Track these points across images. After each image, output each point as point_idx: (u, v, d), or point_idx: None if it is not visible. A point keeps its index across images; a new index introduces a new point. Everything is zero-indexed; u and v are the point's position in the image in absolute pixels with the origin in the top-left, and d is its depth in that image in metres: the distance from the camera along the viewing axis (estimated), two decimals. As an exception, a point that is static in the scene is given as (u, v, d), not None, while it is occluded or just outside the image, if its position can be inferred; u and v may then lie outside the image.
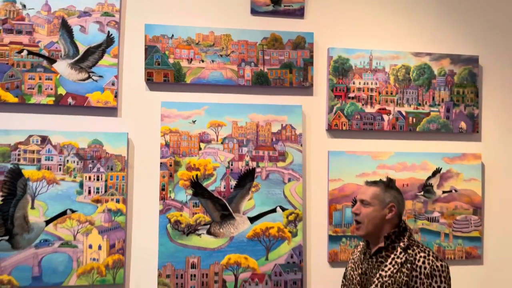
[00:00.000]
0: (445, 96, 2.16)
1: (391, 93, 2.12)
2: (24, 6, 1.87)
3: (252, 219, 1.97)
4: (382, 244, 1.54)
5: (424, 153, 2.13)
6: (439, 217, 2.13)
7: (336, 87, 2.07)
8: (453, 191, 2.14)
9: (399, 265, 1.49)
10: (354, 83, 2.09)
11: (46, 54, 1.87)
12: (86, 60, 1.90)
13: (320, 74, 2.08)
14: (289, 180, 2.01)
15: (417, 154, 2.12)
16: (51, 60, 1.87)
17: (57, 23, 1.88)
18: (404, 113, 2.12)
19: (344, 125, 2.07)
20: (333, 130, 2.07)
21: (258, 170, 2.00)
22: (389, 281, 1.48)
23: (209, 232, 1.95)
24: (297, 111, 2.03)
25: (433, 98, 2.15)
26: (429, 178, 2.13)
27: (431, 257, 1.48)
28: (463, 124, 2.17)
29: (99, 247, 1.86)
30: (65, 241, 1.83)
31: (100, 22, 1.91)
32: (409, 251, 1.51)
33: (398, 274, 1.48)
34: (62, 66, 1.88)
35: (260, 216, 1.98)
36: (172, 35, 1.96)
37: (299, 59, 2.04)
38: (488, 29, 2.23)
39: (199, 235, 1.94)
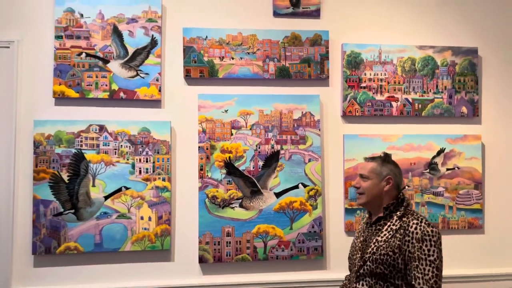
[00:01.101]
0: (448, 84, 2.44)
1: (399, 83, 2.41)
2: (81, 15, 2.22)
3: (278, 194, 2.30)
4: (381, 214, 1.70)
5: (429, 135, 2.41)
6: (443, 192, 2.41)
7: (350, 78, 2.37)
8: (456, 168, 2.42)
9: (394, 231, 1.63)
10: (365, 74, 2.39)
11: (101, 55, 2.22)
12: (134, 60, 2.24)
13: (335, 67, 2.38)
14: (309, 160, 2.33)
15: (423, 136, 2.41)
16: (105, 61, 2.22)
17: (109, 29, 2.23)
18: (410, 100, 2.41)
19: (357, 112, 2.38)
20: (347, 116, 2.38)
21: (282, 152, 2.32)
22: (384, 245, 1.62)
23: (241, 206, 2.28)
24: (315, 100, 2.34)
25: (437, 86, 2.43)
26: (434, 157, 2.41)
27: (423, 224, 1.60)
28: (464, 109, 2.45)
29: (149, 219, 2.21)
30: (121, 214, 2.19)
31: (145, 27, 2.26)
32: (404, 219, 1.64)
33: (392, 239, 1.62)
34: (114, 66, 2.23)
35: (285, 192, 2.30)
36: (206, 37, 2.29)
37: (316, 54, 2.35)
38: (486, 23, 2.50)
39: (232, 208, 2.27)
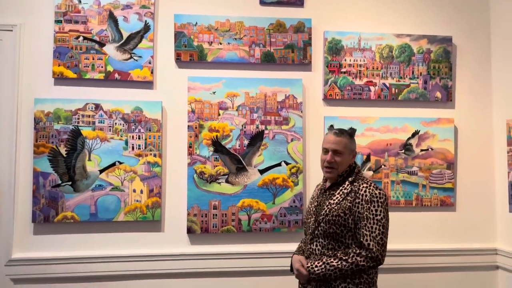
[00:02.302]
0: (423, 70, 2.62)
1: (377, 68, 2.60)
2: (80, 1, 2.41)
3: (262, 171, 2.49)
4: (335, 181, 1.89)
5: (405, 118, 2.60)
6: (417, 171, 2.60)
7: (331, 63, 2.56)
8: (430, 149, 2.61)
9: (345, 195, 1.81)
10: (345, 60, 2.58)
11: (97, 39, 2.41)
12: (128, 44, 2.43)
13: (317, 53, 2.57)
14: (292, 140, 2.52)
15: (399, 118, 2.60)
16: (101, 44, 2.41)
17: (105, 14, 2.42)
18: (388, 85, 2.60)
19: (337, 95, 2.57)
20: (328, 99, 2.57)
21: (266, 132, 2.51)
22: (336, 207, 1.80)
23: (227, 181, 2.47)
24: (298, 83, 2.53)
25: (413, 72, 2.62)
26: (409, 138, 2.60)
27: (371, 187, 1.79)
28: (438, 94, 2.63)
29: (141, 191, 2.40)
30: (115, 186, 2.38)
31: (139, 13, 2.45)
32: (355, 183, 1.83)
33: (344, 201, 1.80)
34: (110, 49, 2.42)
35: (268, 169, 2.49)
36: (196, 23, 2.48)
37: (300, 41, 2.54)
38: (460, 13, 2.68)
39: (219, 183, 2.46)
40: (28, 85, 2.36)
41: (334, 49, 2.56)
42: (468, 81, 2.68)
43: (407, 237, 2.59)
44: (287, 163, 2.50)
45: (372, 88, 2.59)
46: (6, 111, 2.34)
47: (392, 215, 2.55)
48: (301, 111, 2.53)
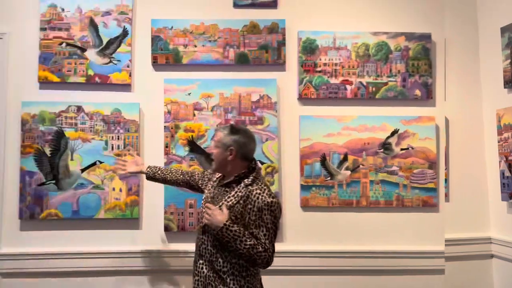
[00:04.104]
0: (401, 68, 2.64)
1: (353, 67, 2.64)
2: (62, 9, 2.61)
3: (237, 171, 2.58)
4: (231, 179, 1.88)
5: (383, 117, 2.63)
6: (397, 171, 2.62)
7: (305, 63, 2.63)
8: (410, 148, 2.62)
9: (239, 198, 1.82)
10: (320, 60, 2.64)
11: (79, 45, 2.60)
12: (108, 48, 2.61)
13: (291, 53, 2.65)
14: (266, 139, 2.60)
15: (377, 117, 2.63)
16: (83, 49, 2.60)
17: (86, 21, 2.61)
18: (364, 83, 2.64)
19: (313, 94, 2.63)
20: (303, 98, 2.64)
21: (241, 132, 2.60)
22: (228, 210, 1.80)
23: (202, 180, 2.58)
24: (272, 83, 2.62)
25: (391, 70, 2.64)
26: (388, 137, 2.62)
27: (265, 194, 1.79)
28: (418, 92, 2.64)
29: (120, 190, 2.56)
30: (95, 185, 2.55)
31: (118, 19, 2.62)
32: (250, 187, 1.82)
33: (237, 205, 1.81)
34: (91, 54, 2.60)
35: (243, 168, 2.58)
36: (172, 27, 2.63)
37: (274, 41, 2.63)
38: (439, 9, 2.68)
39: (194, 182, 2.58)
40: (16, 89, 2.58)
41: (309, 48, 2.63)
42: (448, 78, 2.68)
43: (388, 239, 2.60)
44: (262, 163, 2.58)
45: (348, 86, 2.63)
46: (-4, 114, 2.56)
47: (371, 216, 2.62)
48: (276, 111, 2.61)
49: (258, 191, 1.81)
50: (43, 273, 2.52)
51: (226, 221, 1.77)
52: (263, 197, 1.79)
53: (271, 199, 1.79)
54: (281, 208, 1.87)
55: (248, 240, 1.75)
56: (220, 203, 1.86)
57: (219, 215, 1.78)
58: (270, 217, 1.78)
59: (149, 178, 2.26)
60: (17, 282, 2.52)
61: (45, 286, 2.52)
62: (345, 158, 2.61)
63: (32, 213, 2.52)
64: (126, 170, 2.27)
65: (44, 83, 2.59)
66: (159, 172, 2.24)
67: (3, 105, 2.56)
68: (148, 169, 2.25)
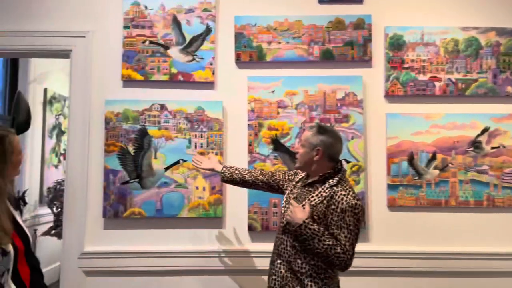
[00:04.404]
0: (492, 64, 2.56)
1: (442, 63, 2.57)
2: (146, 7, 2.61)
3: (322, 170, 2.53)
4: (315, 179, 1.88)
5: (473, 114, 2.55)
6: (488, 170, 2.53)
7: (392, 59, 2.57)
8: (501, 147, 2.53)
9: (322, 198, 1.80)
10: (408, 56, 2.58)
11: (162, 43, 2.59)
12: (191, 46, 2.59)
13: (378, 49, 2.60)
14: (352, 138, 2.55)
15: (466, 115, 2.55)
16: (166, 47, 2.59)
17: (169, 19, 2.61)
18: (453, 80, 2.57)
19: (400, 91, 2.57)
20: (390, 95, 2.58)
21: (326, 130, 2.55)
22: (312, 209, 1.79)
23: (287, 179, 2.54)
24: (358, 80, 2.57)
25: (481, 66, 2.56)
26: (478, 135, 2.54)
27: (349, 196, 1.78)
28: (509, 88, 2.56)
29: (203, 189, 2.54)
30: (179, 183, 2.53)
31: (201, 16, 2.60)
32: (334, 188, 1.81)
33: (320, 205, 1.80)
34: (174, 52, 2.59)
35: (328, 167, 2.53)
36: (255, 24, 2.60)
37: (360, 37, 2.58)
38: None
39: (279, 181, 2.54)
40: (99, 87, 2.59)
41: (396, 44, 2.57)
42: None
43: (478, 240, 2.52)
44: (347, 162, 2.53)
45: (436, 83, 2.56)
46: (79, 112, 2.57)
47: (460, 216, 2.54)
48: (362, 108, 2.55)
49: (343, 192, 1.79)
50: (126, 272, 2.50)
51: (306, 219, 1.75)
52: (348, 199, 1.77)
53: (355, 201, 1.78)
54: (364, 211, 1.85)
55: (327, 240, 1.73)
56: (304, 202, 1.85)
57: (300, 213, 1.77)
58: (353, 219, 1.76)
59: (226, 179, 2.20)
60: (101, 280, 2.51)
61: (128, 284, 2.51)
62: (433, 157, 2.54)
63: (116, 211, 2.51)
64: (201, 166, 2.27)
65: (128, 81, 2.59)
66: (236, 172, 2.19)
67: (87, 103, 2.57)
68: (224, 169, 2.20)
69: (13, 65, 4.12)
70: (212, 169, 2.26)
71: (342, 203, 1.76)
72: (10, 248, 1.49)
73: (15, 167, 1.59)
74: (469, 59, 2.57)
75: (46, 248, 4.15)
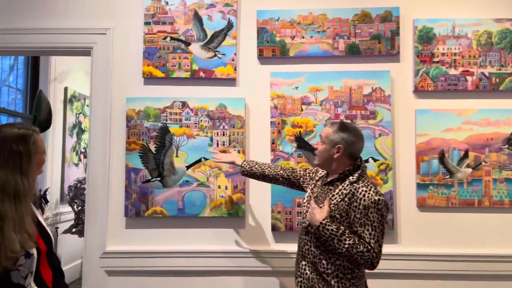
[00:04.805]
0: (529, 56, 2.43)
1: (474, 56, 2.45)
2: (166, 3, 2.57)
3: (348, 168, 2.45)
4: (335, 177, 1.83)
5: (508, 110, 2.43)
6: (524, 169, 2.40)
7: (421, 53, 2.47)
8: (539, 144, 2.40)
9: (344, 195, 1.76)
10: (438, 49, 2.47)
11: (183, 39, 2.55)
12: (213, 42, 2.54)
13: (406, 43, 2.49)
14: (380, 135, 2.45)
15: (500, 110, 2.43)
16: (187, 43, 2.54)
17: (191, 14, 2.55)
18: (487, 74, 2.44)
19: (430, 87, 2.46)
20: (419, 91, 2.47)
21: (351, 127, 2.46)
22: (333, 208, 1.76)
23: (311, 178, 2.46)
24: (385, 75, 2.47)
25: (516, 59, 2.43)
26: (513, 132, 2.42)
27: (371, 192, 1.72)
28: (547, 82, 2.42)
29: (226, 187, 2.48)
30: (201, 182, 2.48)
31: (223, 11, 2.54)
32: (355, 185, 1.76)
33: (341, 202, 1.75)
34: (195, 48, 2.54)
35: (354, 166, 2.45)
36: (278, 18, 2.52)
37: (387, 30, 2.48)
38: None
39: (303, 180, 2.46)
40: (120, 85, 2.55)
41: (425, 37, 2.46)
42: None
43: (513, 242, 2.40)
44: (375, 160, 2.44)
45: (469, 78, 2.44)
46: (101, 110, 2.54)
47: (494, 217, 2.42)
48: (390, 104, 2.45)
49: (364, 188, 1.74)
50: (148, 272, 2.47)
51: (323, 220, 1.71)
52: (370, 195, 1.72)
53: (378, 197, 1.72)
54: (388, 207, 1.78)
55: (348, 239, 1.68)
56: (323, 202, 1.80)
57: (318, 214, 1.74)
58: (377, 215, 1.70)
59: (245, 172, 2.19)
60: (123, 280, 2.48)
61: (150, 285, 2.47)
62: (465, 155, 2.43)
63: (138, 210, 2.48)
64: (221, 159, 2.28)
65: (149, 79, 2.55)
66: (256, 166, 2.17)
67: (108, 101, 2.54)
68: (244, 163, 2.20)
69: (34, 64, 4.15)
70: (233, 162, 2.27)
71: (364, 200, 1.72)
72: (34, 250, 1.46)
73: (39, 166, 1.56)
74: (503, 52, 2.44)
75: (67, 246, 4.17)
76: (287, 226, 2.44)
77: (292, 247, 2.44)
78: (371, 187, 1.75)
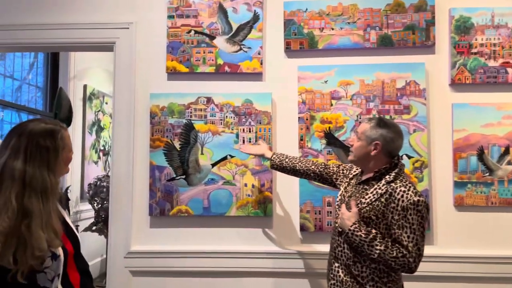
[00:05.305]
0: None
1: (515, 47, 2.31)
2: (190, -4, 2.49)
3: (380, 165, 2.34)
4: (370, 175, 1.74)
5: (552, 103, 2.28)
6: None
7: (458, 44, 2.34)
8: None
9: (379, 195, 1.66)
10: (476, 40, 2.33)
11: (208, 32, 2.46)
12: (238, 35, 2.45)
13: (442, 33, 2.36)
14: (414, 131, 2.33)
15: (544, 104, 2.28)
16: (212, 37, 2.46)
17: (215, 7, 2.47)
18: (529, 65, 2.30)
19: (467, 79, 2.33)
20: (456, 84, 2.34)
21: (384, 122, 2.35)
22: (367, 208, 1.67)
23: (342, 176, 2.36)
24: (420, 68, 2.35)
25: (562, 49, 2.28)
26: (559, 127, 2.27)
27: (410, 192, 1.62)
28: None
29: (252, 186, 2.39)
30: (226, 180, 2.40)
31: (248, 3, 2.45)
32: (392, 184, 1.66)
33: (376, 202, 1.66)
34: (220, 41, 2.46)
35: (387, 163, 2.33)
36: (306, 9, 2.42)
37: (421, 20, 2.35)
38: None
39: (333, 178, 2.36)
40: (144, 80, 2.49)
41: (463, 27, 2.33)
42: None
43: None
44: (409, 157, 2.32)
45: (509, 69, 2.31)
46: (124, 106, 2.48)
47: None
48: (425, 98, 2.33)
49: (403, 188, 1.64)
50: (173, 272, 2.40)
51: (351, 226, 1.65)
52: (409, 196, 1.62)
53: (418, 198, 1.62)
54: (428, 208, 1.66)
55: (378, 244, 1.59)
56: (357, 202, 1.71)
57: (347, 220, 1.66)
58: (416, 217, 1.61)
59: (275, 166, 2.11)
60: (147, 280, 2.42)
61: (175, 285, 2.40)
62: (506, 151, 2.29)
63: (162, 209, 2.41)
64: (250, 151, 2.20)
65: (172, 74, 2.48)
66: (286, 160, 2.09)
67: (132, 97, 2.47)
68: (274, 156, 2.12)
69: (54, 62, 4.13)
70: (262, 155, 2.19)
71: (403, 201, 1.62)
72: (61, 251, 1.39)
73: (66, 163, 1.49)
74: (548, 42, 2.30)
75: (87, 244, 4.15)
76: (316, 226, 2.35)
77: (322, 248, 2.35)
78: (409, 186, 1.66)
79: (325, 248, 2.32)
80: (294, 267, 2.35)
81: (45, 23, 2.52)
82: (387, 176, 1.70)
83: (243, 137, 2.42)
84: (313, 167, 2.04)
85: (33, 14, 2.54)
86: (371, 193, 1.70)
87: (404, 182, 1.67)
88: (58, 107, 3.38)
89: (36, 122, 1.43)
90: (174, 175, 2.42)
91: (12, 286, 1.28)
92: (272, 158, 2.12)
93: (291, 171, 2.08)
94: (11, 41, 2.54)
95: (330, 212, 2.35)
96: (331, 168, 2.02)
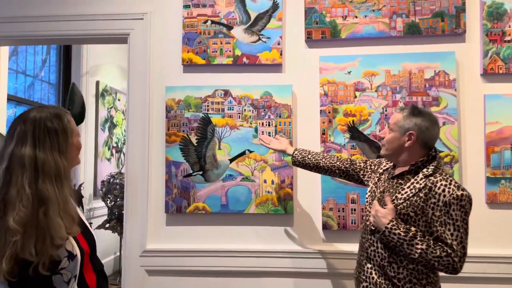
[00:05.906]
0: None
1: (553, 33, 2.16)
2: (207, -16, 2.38)
3: (407, 160, 2.21)
4: (405, 169, 1.62)
5: None
6: None
7: (491, 31, 2.20)
8: None
9: (417, 190, 1.55)
10: (510, 27, 2.19)
11: (225, 22, 2.36)
12: (256, 25, 2.34)
13: (473, 20, 2.23)
14: (444, 123, 2.20)
15: None
16: (229, 27, 2.35)
17: (232, -4, 2.36)
18: None
19: (501, 69, 2.19)
20: (488, 74, 2.20)
21: (411, 115, 2.22)
22: (404, 204, 1.55)
23: (366, 172, 2.24)
24: (450, 57, 2.21)
25: None
26: None
27: (452, 186, 1.51)
28: None
29: (272, 182, 2.29)
30: (245, 176, 2.30)
31: (267, -9, 2.34)
32: (431, 178, 1.55)
33: (414, 198, 1.54)
34: (237, 32, 2.35)
35: (415, 158, 2.21)
36: (328, -4, 2.30)
37: (451, 7, 2.22)
38: None
39: (357, 173, 2.24)
40: (159, 73, 2.39)
41: (495, 14, 2.19)
42: None
43: None
44: (439, 151, 2.17)
45: (546, 58, 2.16)
46: (139, 99, 2.39)
47: None
48: (455, 89, 2.20)
49: (444, 182, 1.53)
50: (190, 272, 2.31)
51: (388, 223, 1.51)
52: (451, 190, 1.51)
53: (461, 192, 1.51)
54: (472, 203, 1.53)
55: (419, 243, 1.48)
56: (392, 198, 1.58)
57: (383, 217, 1.53)
58: (460, 213, 1.50)
59: (297, 163, 2.01)
60: (163, 280, 2.34)
61: (192, 285, 2.31)
62: (543, 145, 2.15)
63: (179, 206, 2.32)
64: (270, 146, 2.09)
65: (188, 66, 2.38)
66: (309, 156, 1.98)
67: (147, 90, 2.38)
68: (296, 152, 2.01)
69: (66, 58, 4.07)
70: (283, 151, 2.08)
71: (445, 195, 1.51)
72: (77, 251, 1.30)
73: (77, 150, 1.40)
74: None
75: (99, 242, 4.08)
76: (340, 225, 2.23)
77: (346, 247, 2.23)
78: (450, 180, 1.54)
79: (349, 247, 2.23)
80: (316, 267, 2.24)
81: (57, 14, 2.44)
82: (424, 170, 1.59)
83: (262, 131, 2.31)
84: (338, 163, 1.93)
85: (45, 6, 2.47)
86: (408, 188, 1.58)
87: (444, 176, 1.56)
88: (71, 103, 3.33)
89: (38, 108, 1.35)
90: (191, 171, 2.32)
91: (31, 286, 1.22)
92: (294, 155, 2.01)
93: (315, 167, 1.98)
94: (23, 33, 2.47)
95: (354, 210, 2.23)
96: (357, 164, 1.91)
